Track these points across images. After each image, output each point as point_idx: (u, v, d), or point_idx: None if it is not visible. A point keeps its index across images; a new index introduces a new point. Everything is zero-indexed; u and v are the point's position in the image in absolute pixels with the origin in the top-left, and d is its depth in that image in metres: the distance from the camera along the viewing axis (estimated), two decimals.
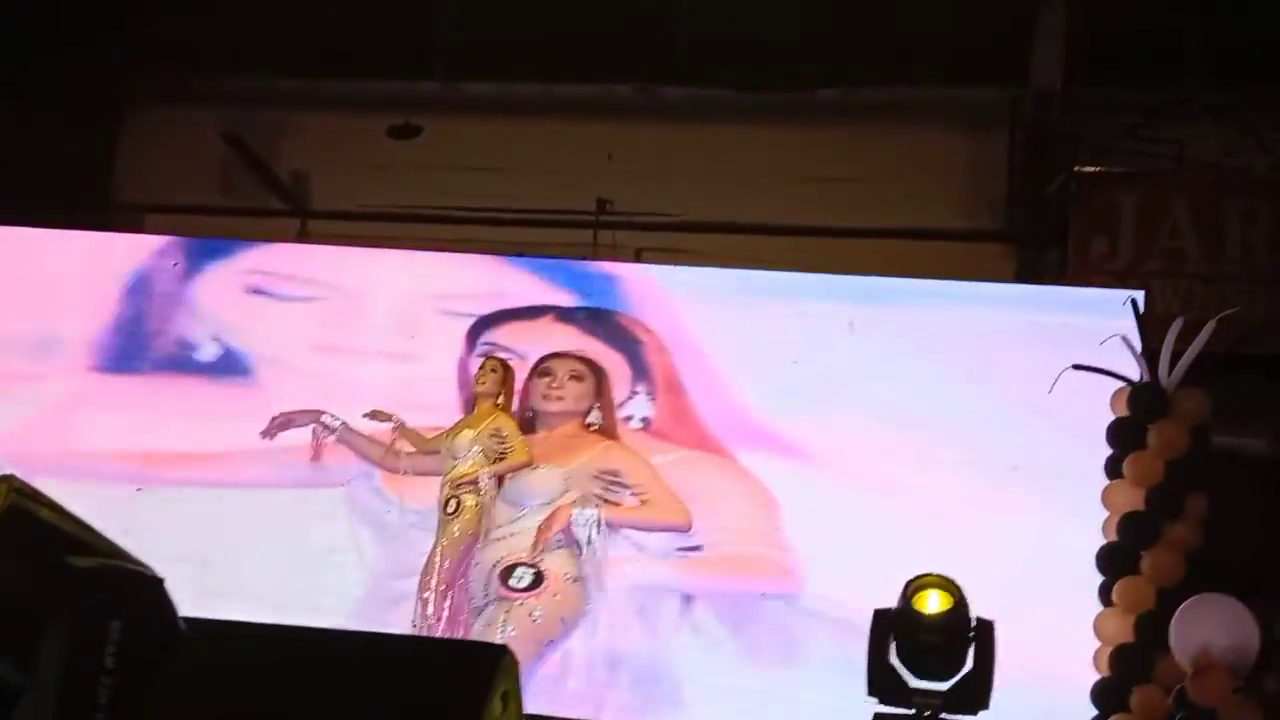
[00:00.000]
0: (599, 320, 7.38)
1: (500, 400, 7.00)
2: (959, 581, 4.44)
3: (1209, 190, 7.75)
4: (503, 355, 7.27)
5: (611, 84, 8.89)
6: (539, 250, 8.34)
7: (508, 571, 6.77)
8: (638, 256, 8.52)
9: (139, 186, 9.20)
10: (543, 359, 7.33)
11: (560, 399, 7.22)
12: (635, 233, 8.61)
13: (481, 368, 7.11)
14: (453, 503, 6.75)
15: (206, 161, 9.11)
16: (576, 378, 7.26)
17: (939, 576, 4.47)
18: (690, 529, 6.94)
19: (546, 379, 7.27)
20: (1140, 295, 6.62)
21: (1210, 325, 6.01)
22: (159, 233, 8.46)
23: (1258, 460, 7.25)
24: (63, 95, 8.41)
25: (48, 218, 7.89)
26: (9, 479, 2.62)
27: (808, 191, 8.45)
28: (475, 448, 6.83)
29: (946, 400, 6.65)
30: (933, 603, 4.37)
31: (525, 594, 6.81)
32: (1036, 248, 7.94)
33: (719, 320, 7.18)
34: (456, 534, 6.70)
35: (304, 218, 9.01)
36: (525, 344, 7.36)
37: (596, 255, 8.33)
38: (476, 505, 6.70)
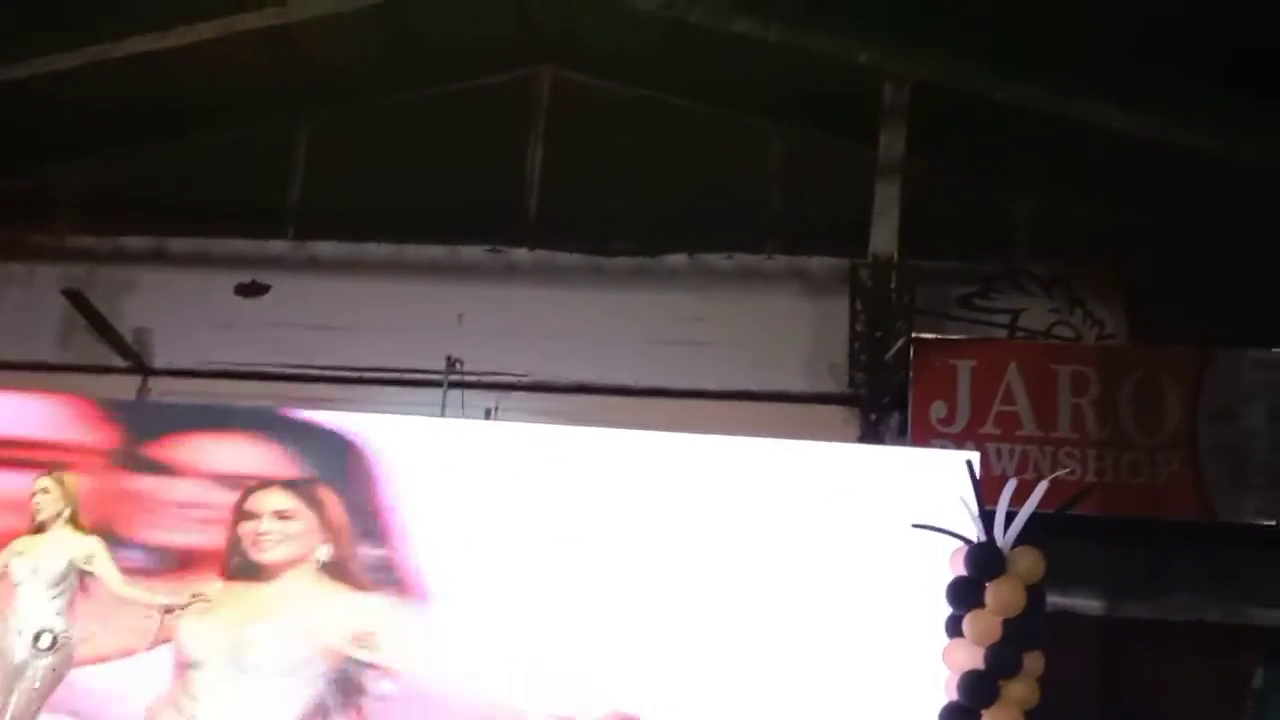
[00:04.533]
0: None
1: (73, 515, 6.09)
2: None
3: (1040, 357, 8.03)
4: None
5: (462, 245, 8.99)
6: (389, 409, 8.29)
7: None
8: (488, 416, 8.51)
9: None
10: (243, 497, 6.14)
11: (271, 544, 6.08)
12: (485, 392, 8.62)
13: (36, 493, 6.14)
14: (46, 637, 5.90)
15: (46, 317, 8.93)
16: (283, 516, 6.11)
17: None
18: None
19: (253, 523, 6.09)
20: (976, 457, 6.76)
21: (1043, 486, 6.15)
22: None
23: (1091, 619, 7.41)
24: None
25: None
26: None
27: (656, 354, 8.60)
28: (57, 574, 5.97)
29: (789, 559, 6.67)
30: None
31: None
32: (878, 411, 8.13)
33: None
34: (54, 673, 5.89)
35: (145, 374, 8.83)
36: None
37: (446, 414, 8.31)
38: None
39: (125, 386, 8.70)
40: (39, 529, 6.11)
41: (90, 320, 8.79)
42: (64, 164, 9.32)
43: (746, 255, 8.90)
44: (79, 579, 6.03)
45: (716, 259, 8.92)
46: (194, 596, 5.79)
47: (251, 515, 6.06)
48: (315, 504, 6.11)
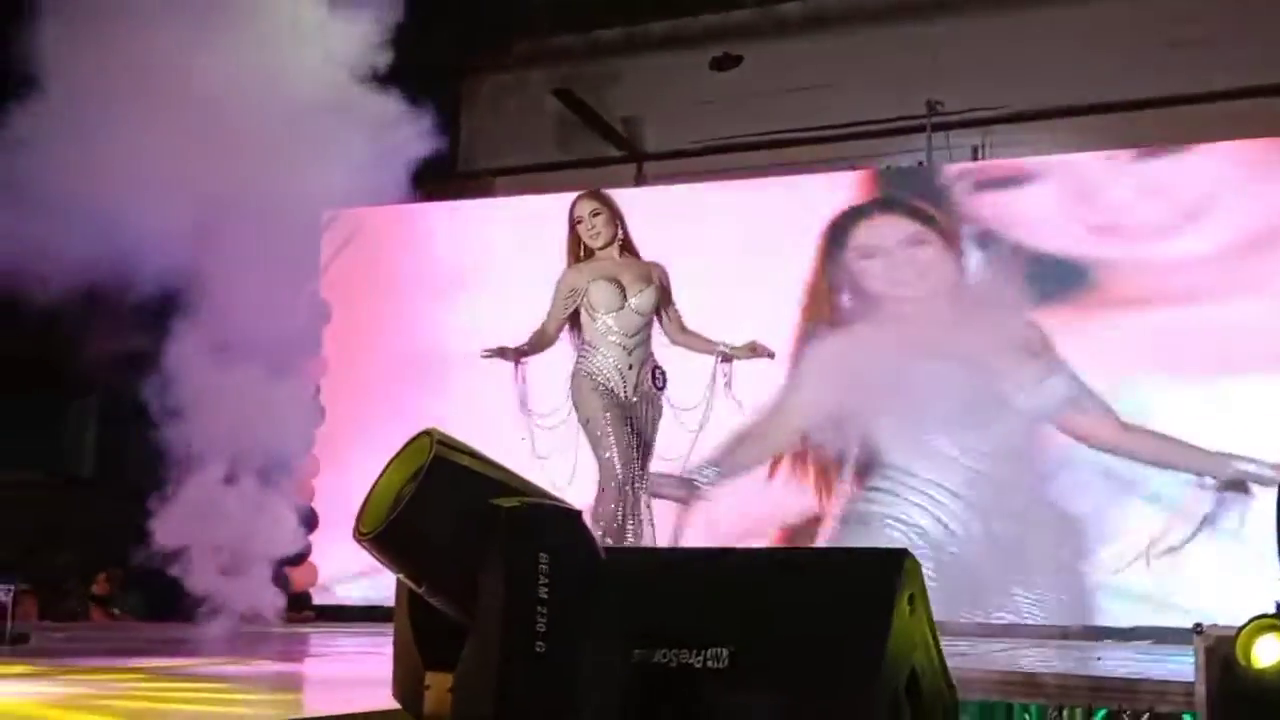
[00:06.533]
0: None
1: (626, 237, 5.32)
2: None
3: None
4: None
5: None
6: (872, 162, 8.27)
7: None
8: (975, 155, 8.30)
9: (483, 152, 9.59)
10: (840, 222, 5.69)
11: (905, 281, 5.70)
12: (969, 131, 8.40)
13: (585, 217, 5.36)
14: (660, 374, 5.27)
15: (542, 120, 9.41)
16: (920, 242, 5.72)
17: None
18: None
19: (871, 260, 5.74)
20: None
21: None
22: (508, 194, 8.83)
23: None
24: (407, 70, 8.83)
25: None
26: (430, 432, 2.78)
27: (1149, 61, 8.02)
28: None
29: None
30: None
31: None
32: None
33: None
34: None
35: (640, 161, 9.19)
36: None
37: (931, 159, 8.17)
38: None
39: (623, 175, 9.08)
40: (588, 255, 5.32)
41: (582, 116, 9.18)
42: None
43: None
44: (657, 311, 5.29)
45: None
46: (753, 349, 5.33)
47: (874, 253, 5.57)
48: (930, 220, 5.76)
